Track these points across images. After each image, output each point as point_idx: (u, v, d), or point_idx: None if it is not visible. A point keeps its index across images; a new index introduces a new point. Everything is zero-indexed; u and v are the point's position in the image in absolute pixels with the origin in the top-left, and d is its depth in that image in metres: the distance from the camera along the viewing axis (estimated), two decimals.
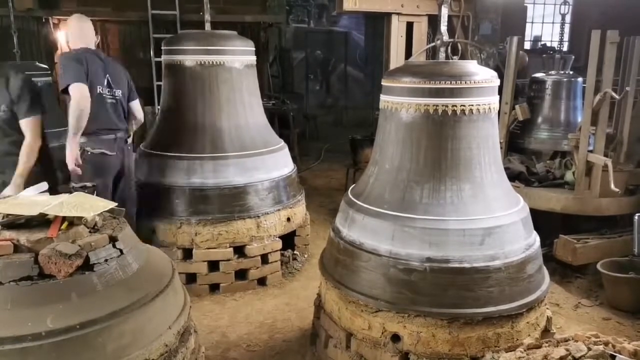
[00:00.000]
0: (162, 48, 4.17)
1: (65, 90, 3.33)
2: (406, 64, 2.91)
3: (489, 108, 2.61)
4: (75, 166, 3.33)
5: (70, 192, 2.99)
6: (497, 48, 6.60)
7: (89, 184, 3.09)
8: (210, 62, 3.96)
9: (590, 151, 4.15)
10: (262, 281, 4.12)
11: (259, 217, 3.99)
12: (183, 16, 7.56)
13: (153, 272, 2.10)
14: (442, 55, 2.86)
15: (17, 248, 1.81)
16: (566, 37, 8.21)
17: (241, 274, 4.04)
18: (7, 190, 2.98)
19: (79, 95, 3.27)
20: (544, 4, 13.59)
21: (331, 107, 13.61)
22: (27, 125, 3.15)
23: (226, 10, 8.25)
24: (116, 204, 2.18)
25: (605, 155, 4.10)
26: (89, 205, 2.06)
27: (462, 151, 2.57)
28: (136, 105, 3.82)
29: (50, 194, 2.30)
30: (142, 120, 3.95)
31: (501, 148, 3.67)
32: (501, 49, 6.63)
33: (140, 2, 7.44)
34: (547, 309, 2.92)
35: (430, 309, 2.47)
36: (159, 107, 6.14)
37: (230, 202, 3.91)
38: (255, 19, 8.44)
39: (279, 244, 4.16)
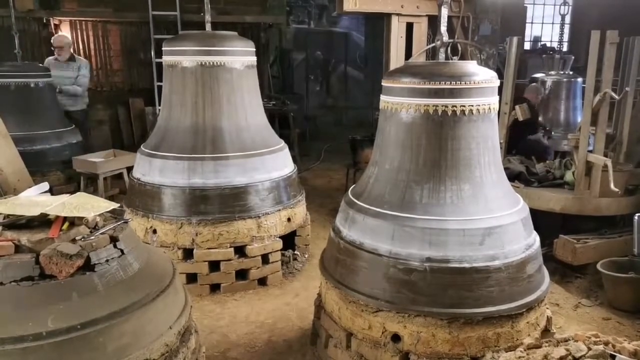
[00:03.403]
0: (163, 49, 4.17)
1: None
2: (406, 65, 2.91)
3: (489, 108, 2.62)
4: None
5: None
6: (497, 49, 6.61)
7: None
8: (211, 63, 3.96)
9: (590, 151, 4.16)
10: (262, 281, 4.13)
11: (259, 217, 3.99)
12: (183, 17, 7.57)
13: (154, 272, 2.11)
14: (442, 55, 2.86)
15: (18, 248, 1.81)
16: (566, 38, 8.23)
17: (242, 274, 4.05)
18: None
19: None
20: (544, 4, 13.59)
21: (331, 108, 13.60)
22: None
23: (227, 11, 8.27)
24: (118, 204, 2.18)
25: (605, 155, 4.10)
26: (90, 206, 2.07)
27: (461, 151, 2.57)
28: None
29: None
30: None
31: (501, 148, 3.67)
32: (501, 49, 6.64)
33: (141, 3, 7.46)
34: (547, 308, 2.93)
35: (430, 308, 2.47)
36: (159, 107, 6.15)
37: (230, 203, 3.91)
38: (256, 19, 8.45)
39: (279, 244, 4.17)
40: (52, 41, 6.37)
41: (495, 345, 2.51)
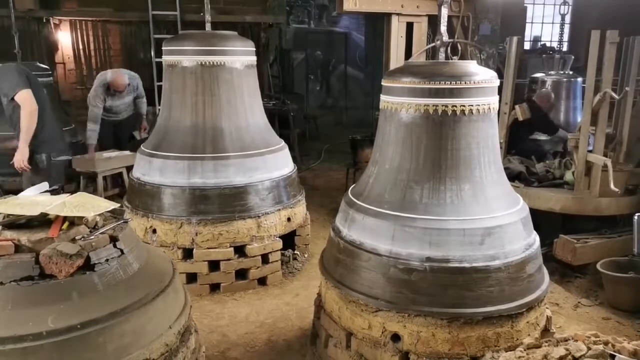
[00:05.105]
0: (163, 48, 4.17)
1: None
2: (406, 64, 2.91)
3: (489, 108, 2.62)
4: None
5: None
6: (496, 48, 6.61)
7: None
8: (211, 63, 3.96)
9: (590, 151, 4.16)
10: (262, 281, 4.13)
11: (259, 217, 3.99)
12: (183, 16, 7.58)
13: (154, 271, 2.11)
14: (442, 55, 2.86)
15: (18, 248, 1.81)
16: (566, 38, 8.23)
17: (241, 274, 4.05)
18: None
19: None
20: (544, 4, 13.59)
21: (331, 108, 13.61)
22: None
23: (227, 11, 8.27)
24: (119, 204, 2.18)
25: (605, 155, 4.10)
26: (90, 206, 2.07)
27: (461, 151, 2.57)
28: None
29: None
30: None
31: (501, 148, 3.67)
32: (501, 49, 6.64)
33: (141, 3, 7.46)
34: (547, 308, 2.93)
35: (430, 308, 2.47)
36: (159, 107, 6.15)
37: (230, 202, 3.91)
38: (256, 19, 8.45)
39: (279, 244, 4.17)
40: (110, 83, 5.75)
41: (495, 345, 2.51)
